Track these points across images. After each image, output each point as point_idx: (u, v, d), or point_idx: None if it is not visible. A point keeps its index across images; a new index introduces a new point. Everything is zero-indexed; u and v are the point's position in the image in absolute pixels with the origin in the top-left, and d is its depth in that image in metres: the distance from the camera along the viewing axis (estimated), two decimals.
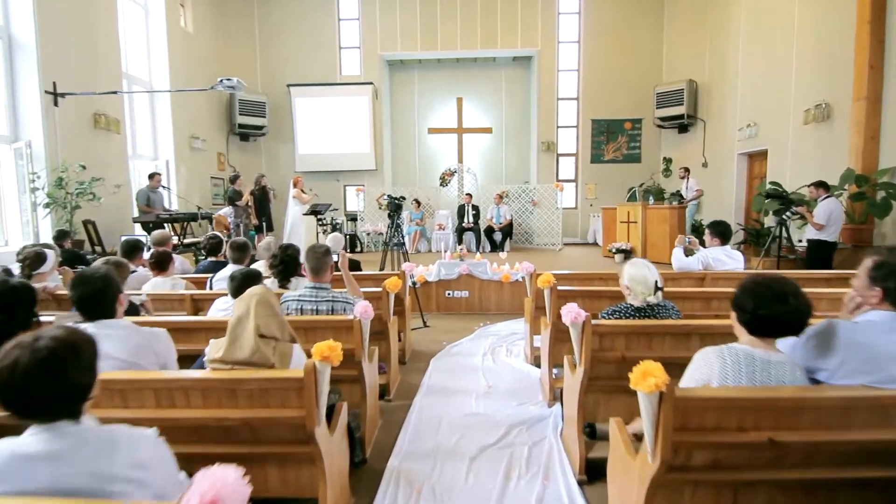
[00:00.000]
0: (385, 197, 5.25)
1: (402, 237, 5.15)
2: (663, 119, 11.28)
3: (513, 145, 12.87)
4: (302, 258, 3.55)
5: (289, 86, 11.64)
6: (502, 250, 10.13)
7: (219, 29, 11.22)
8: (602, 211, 9.31)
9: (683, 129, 11.34)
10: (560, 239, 10.74)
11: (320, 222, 11.10)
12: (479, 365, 4.19)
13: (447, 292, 6.13)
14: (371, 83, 11.67)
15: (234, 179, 8.01)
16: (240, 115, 11.06)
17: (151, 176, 7.39)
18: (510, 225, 10.47)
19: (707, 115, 10.90)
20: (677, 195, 10.75)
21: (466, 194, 10.68)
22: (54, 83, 6.56)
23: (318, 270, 2.99)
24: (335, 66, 11.92)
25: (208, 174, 10.72)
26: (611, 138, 11.90)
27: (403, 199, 5.46)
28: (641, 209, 8.31)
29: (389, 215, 5.29)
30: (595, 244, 11.52)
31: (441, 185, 11.49)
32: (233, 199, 7.98)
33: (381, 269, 5.42)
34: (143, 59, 9.17)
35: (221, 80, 6.19)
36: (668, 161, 11.55)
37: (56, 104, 6.61)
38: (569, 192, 11.64)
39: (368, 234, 10.95)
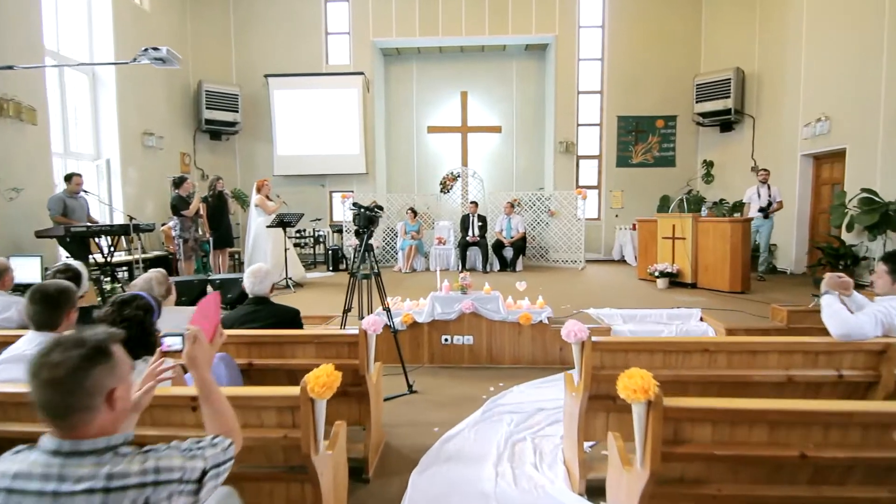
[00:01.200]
0: (351, 206, 3.55)
1: (375, 262, 3.46)
2: (704, 115, 9.59)
3: (525, 146, 11.21)
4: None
5: (266, 76, 10.07)
6: (514, 269, 8.45)
7: (184, 8, 9.67)
8: (637, 224, 7.64)
9: (727, 127, 9.64)
10: (582, 255, 9.04)
11: (299, 236, 9.49)
12: (492, 490, 2.49)
13: (444, 338, 4.44)
14: (362, 73, 10.07)
15: (178, 182, 6.40)
16: (207, 108, 9.48)
17: (69, 178, 5.79)
18: (523, 239, 8.79)
19: (757, 110, 9.20)
20: (722, 206, 9.06)
21: (471, 203, 9.01)
22: None
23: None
24: (321, 54, 10.34)
25: (167, 177, 9.10)
26: (640, 138, 10.22)
27: (380, 209, 3.77)
28: (692, 222, 6.60)
29: (358, 232, 3.60)
30: (622, 261, 9.80)
31: (442, 191, 9.84)
32: (177, 207, 6.35)
33: (347, 311, 3.73)
34: (84, 39, 7.62)
35: (146, 50, 4.57)
36: (708, 165, 9.84)
37: None
38: (591, 200, 9.94)
39: (357, 249, 9.27)
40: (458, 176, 9.80)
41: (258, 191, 7.08)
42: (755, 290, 6.32)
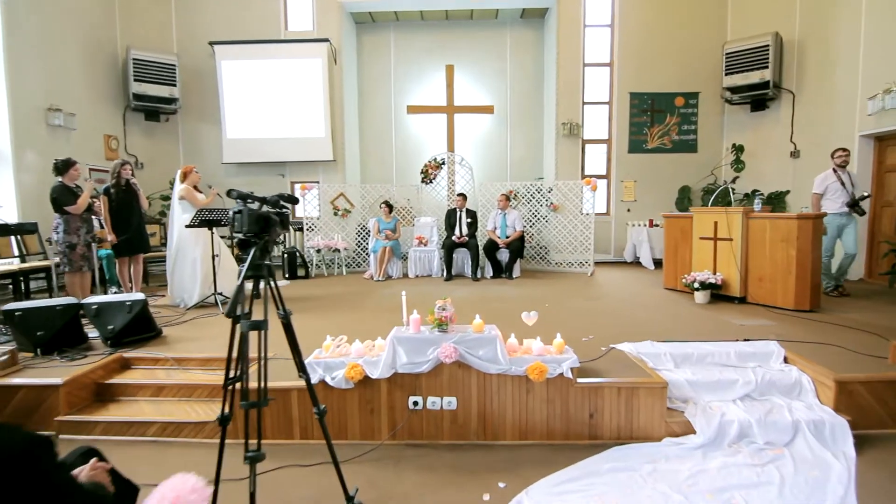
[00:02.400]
0: (233, 195, 1.91)
1: (279, 301, 1.84)
2: (734, 90, 8.10)
3: (522, 130, 9.65)
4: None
5: (212, 44, 8.37)
6: (510, 275, 6.91)
7: None
8: (664, 221, 6.16)
9: (759, 105, 8.16)
10: (591, 257, 7.53)
11: (236, 242, 7.84)
12: None
13: (413, 400, 2.89)
14: (327, 40, 8.42)
15: (61, 167, 4.74)
16: (135, 81, 7.78)
17: None
18: (521, 239, 7.24)
19: (798, 84, 7.73)
20: (755, 198, 7.59)
21: (458, 195, 7.45)
22: None
23: None
24: (278, 18, 8.67)
25: (85, 165, 7.41)
26: (656, 119, 8.71)
27: (290, 202, 2.15)
28: (742, 219, 5.11)
29: (245, 242, 1.98)
30: (636, 264, 8.31)
31: (423, 181, 8.25)
32: (59, 201, 4.70)
33: (230, 383, 2.06)
34: None
35: None
36: (738, 149, 8.36)
37: None
38: (598, 192, 8.40)
39: (319, 250, 7.67)
40: (443, 163, 8.22)
41: (183, 179, 5.44)
42: (826, 308, 4.86)
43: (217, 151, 8.72)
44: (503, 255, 7.18)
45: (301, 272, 7.41)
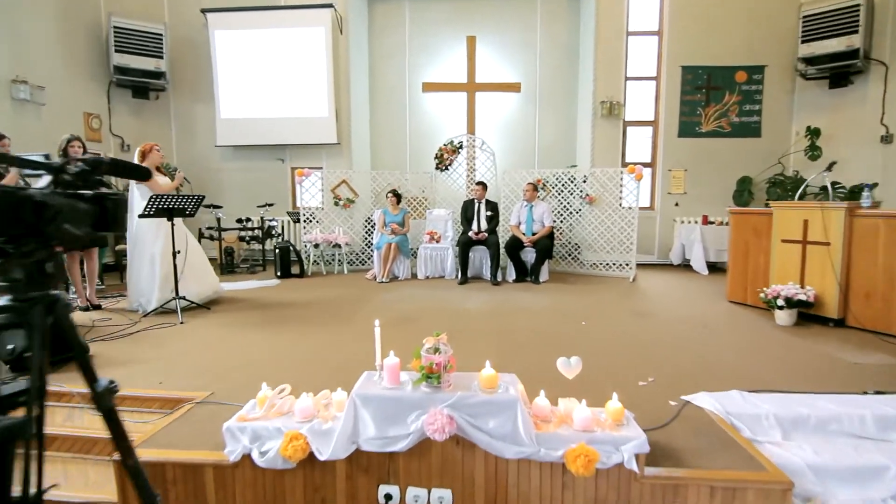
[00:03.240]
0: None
1: (72, 334, 0.84)
2: (812, 61, 6.75)
3: (553, 110, 8.47)
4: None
5: (204, 11, 7.48)
6: (536, 279, 5.84)
7: None
8: (729, 217, 4.98)
9: (841, 79, 6.79)
10: (633, 259, 6.37)
11: (241, 228, 6.97)
12: None
13: (384, 492, 1.87)
14: (330, 5, 7.41)
15: None
16: (117, 52, 6.94)
17: None
18: (550, 236, 6.14)
19: (893, 55, 6.35)
20: (836, 191, 6.27)
21: (477, 184, 6.37)
22: None
23: None
24: None
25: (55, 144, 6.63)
26: (713, 98, 7.42)
27: (127, 175, 1.17)
28: (845, 217, 3.90)
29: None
30: (685, 267, 7.10)
31: (438, 167, 7.20)
32: None
33: None
34: None
35: None
36: (812, 133, 7.01)
37: None
38: (641, 182, 7.18)
39: (317, 245, 6.73)
40: (461, 147, 7.15)
41: (142, 160, 4.55)
42: None
43: (209, 132, 7.87)
44: (528, 255, 6.09)
45: (295, 270, 6.49)
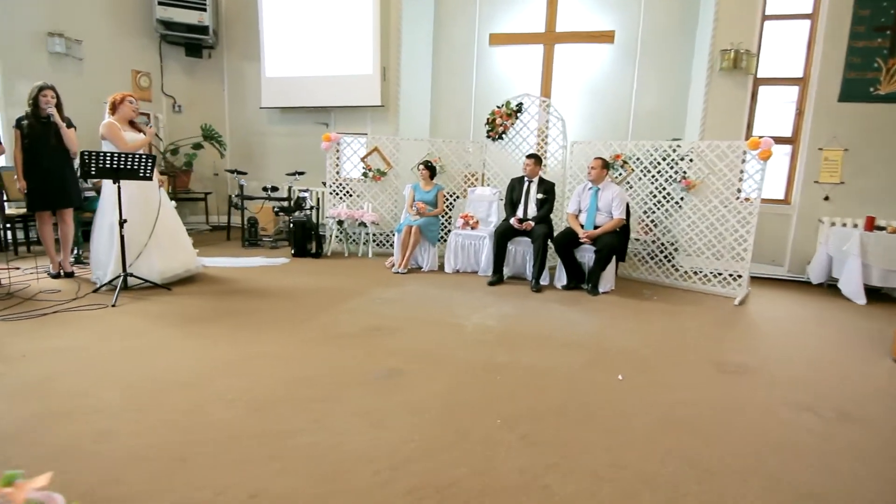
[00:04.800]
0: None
1: None
2: None
3: (657, 66, 6.53)
4: None
5: None
6: (594, 290, 4.34)
7: None
8: None
9: None
10: (746, 272, 4.48)
11: (267, 197, 6.32)
12: None
13: None
14: None
15: None
16: (159, 4, 6.57)
17: None
18: (620, 233, 4.54)
19: None
20: None
21: (528, 158, 4.92)
22: None
23: None
24: None
25: (102, 102, 6.48)
26: None
27: None
28: None
29: None
30: (831, 288, 4.95)
31: (489, 135, 5.82)
32: None
33: None
34: None
35: None
36: None
37: None
38: (772, 161, 5.05)
39: (341, 222, 5.84)
40: (520, 108, 5.67)
41: (112, 112, 3.93)
42: None
43: (257, 92, 7.32)
44: (586, 255, 4.55)
45: (311, 247, 5.67)
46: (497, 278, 4.68)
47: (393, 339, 2.97)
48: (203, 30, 6.84)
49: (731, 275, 4.58)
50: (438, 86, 7.47)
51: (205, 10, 6.71)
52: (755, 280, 5.19)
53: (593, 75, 6.78)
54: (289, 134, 7.45)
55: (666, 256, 4.99)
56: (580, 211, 4.70)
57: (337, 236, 5.99)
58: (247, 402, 2.11)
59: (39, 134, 3.92)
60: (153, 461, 1.66)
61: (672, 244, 4.94)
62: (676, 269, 4.91)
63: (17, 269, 4.45)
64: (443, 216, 5.73)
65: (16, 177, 3.99)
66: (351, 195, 6.07)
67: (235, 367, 2.47)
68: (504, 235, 4.73)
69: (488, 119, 5.74)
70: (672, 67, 6.40)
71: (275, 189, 6.31)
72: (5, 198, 4.93)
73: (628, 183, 5.07)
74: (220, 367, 2.47)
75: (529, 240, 4.72)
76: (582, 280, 4.57)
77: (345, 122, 7.14)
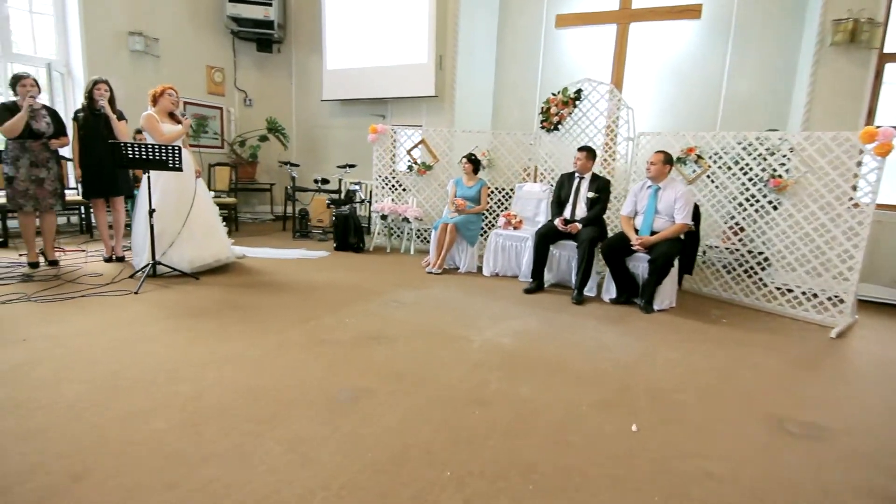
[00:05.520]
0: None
1: None
2: None
3: (753, 45, 5.54)
4: None
5: None
6: (648, 306, 3.75)
7: None
8: None
9: None
10: (852, 293, 3.57)
11: (317, 189, 6.31)
12: None
13: None
14: None
15: (12, 83, 3.78)
16: (229, 1, 6.82)
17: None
18: (688, 241, 3.84)
19: None
20: None
21: (580, 151, 4.34)
22: None
23: None
24: None
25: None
26: None
27: None
28: None
29: None
30: None
31: (542, 126, 5.28)
32: None
33: None
34: None
35: None
36: None
37: None
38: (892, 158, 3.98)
39: (384, 216, 5.67)
40: (578, 96, 5.06)
41: (153, 104, 4.05)
42: None
43: (319, 85, 7.39)
44: (640, 265, 3.91)
45: (353, 240, 5.55)
46: (535, 285, 4.19)
47: (382, 352, 2.67)
48: (269, 24, 7.02)
49: (830, 298, 3.68)
50: (501, 74, 7.02)
51: (270, 4, 6.87)
52: (865, 305, 4.17)
53: (675, 57, 5.93)
54: (348, 126, 7.45)
55: (746, 271, 4.16)
56: (636, 213, 4.05)
57: (380, 231, 5.83)
58: (189, 412, 1.93)
59: (93, 126, 4.16)
60: (47, 474, 1.52)
61: (757, 256, 4.09)
62: (760, 287, 4.07)
63: (83, 251, 4.82)
64: (488, 214, 5.33)
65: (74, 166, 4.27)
66: (396, 189, 5.86)
67: (199, 370, 2.32)
68: (546, 237, 4.22)
69: (542, 108, 5.21)
70: (773, 43, 5.38)
71: (325, 181, 6.30)
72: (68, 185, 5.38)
73: (711, 180, 4.28)
74: (184, 368, 2.34)
75: (573, 243, 4.17)
76: (635, 293, 3.94)
77: (401, 113, 6.96)
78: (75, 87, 5.86)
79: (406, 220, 5.58)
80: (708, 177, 4.31)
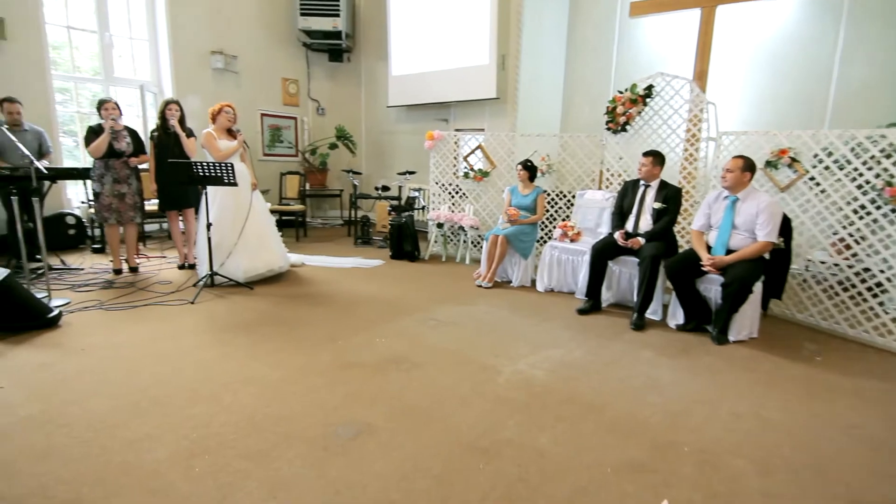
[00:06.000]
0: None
1: None
2: None
3: (875, 18, 4.63)
4: None
5: None
6: (721, 335, 3.28)
7: None
8: None
9: None
10: None
11: (378, 196, 6.34)
12: None
13: None
14: None
15: (98, 107, 4.17)
16: (301, 15, 7.08)
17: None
18: (775, 261, 3.27)
19: None
20: None
21: (645, 156, 3.87)
22: None
23: None
24: None
25: (256, 110, 7.33)
26: None
27: None
28: None
29: None
30: None
31: (608, 127, 4.82)
32: (87, 142, 4.19)
33: None
34: None
35: None
36: None
37: None
38: None
39: (440, 224, 5.55)
40: (649, 92, 4.54)
41: (212, 121, 4.27)
42: None
43: (385, 92, 7.46)
44: (712, 288, 3.40)
45: (408, 247, 5.49)
46: (589, 305, 3.83)
47: (400, 380, 2.54)
48: (337, 35, 7.20)
49: None
50: (570, 71, 6.59)
51: (338, 15, 7.03)
52: None
53: (771, 42, 5.16)
54: (413, 132, 7.44)
55: (853, 297, 3.46)
56: (710, 227, 3.53)
57: (437, 239, 5.73)
58: (192, 440, 1.94)
59: (165, 143, 4.48)
60: (45, 498, 1.58)
61: (867, 279, 3.38)
62: (870, 318, 3.36)
63: (164, 257, 5.26)
64: (546, 223, 5.00)
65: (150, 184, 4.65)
66: (454, 196, 5.72)
67: (218, 391, 2.35)
68: (604, 253, 3.84)
69: (608, 107, 4.76)
70: None
71: (386, 188, 6.33)
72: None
73: (810, 187, 3.64)
74: (205, 387, 2.39)
75: (635, 259, 3.74)
76: (707, 319, 3.44)
77: (464, 117, 6.81)
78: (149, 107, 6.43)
79: (462, 229, 5.42)
80: (806, 183, 3.64)
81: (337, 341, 3.05)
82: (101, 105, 4.22)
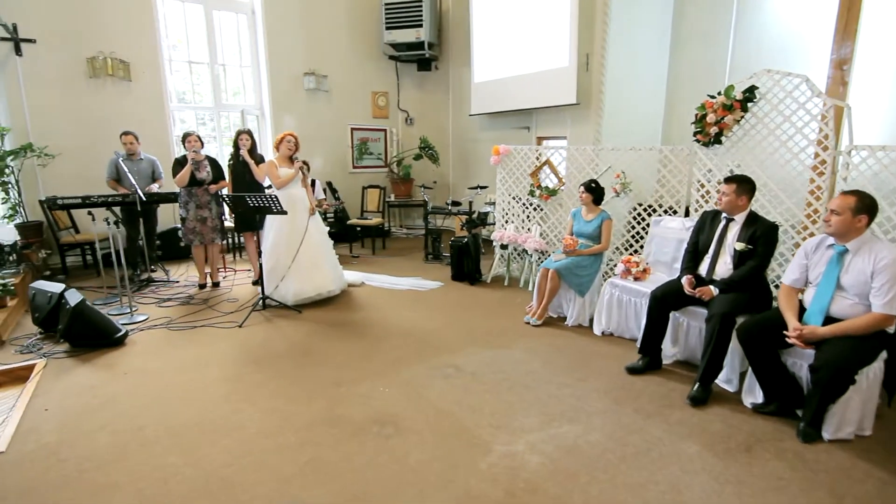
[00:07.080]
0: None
1: None
2: None
3: None
4: None
5: None
6: (814, 427, 2.57)
7: None
8: None
9: None
10: None
11: (447, 212, 6.17)
12: None
13: None
14: None
15: (182, 140, 4.62)
16: (387, 29, 7.13)
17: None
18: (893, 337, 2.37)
19: None
20: None
21: (726, 182, 3.08)
22: (14, 26, 5.14)
23: None
24: None
25: (346, 125, 7.62)
26: None
27: None
28: None
29: None
30: None
31: (696, 139, 3.96)
32: (174, 173, 4.69)
33: None
34: None
35: None
36: None
37: (19, 52, 5.23)
38: None
39: (505, 246, 5.18)
40: (750, 96, 3.60)
41: (276, 150, 4.48)
42: None
43: (468, 100, 7.22)
44: (801, 364, 2.58)
45: (469, 267, 5.23)
46: (643, 364, 3.21)
47: (373, 449, 2.35)
48: (420, 45, 7.12)
49: None
50: (674, 67, 5.66)
51: (421, 26, 6.94)
52: None
53: None
54: (495, 139, 7.05)
55: None
56: (807, 284, 2.68)
57: (500, 261, 5.37)
58: (143, 498, 2.00)
59: (239, 171, 4.85)
60: None
61: None
62: None
63: (249, 270, 5.75)
64: (613, 254, 4.35)
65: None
66: (525, 211, 5.27)
67: (200, 438, 2.42)
68: (665, 301, 3.17)
69: (696, 115, 3.92)
70: None
71: (457, 204, 6.12)
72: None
73: None
74: (193, 432, 2.47)
75: (704, 312, 3.02)
76: (796, 401, 2.64)
77: (545, 124, 6.28)
78: (267, 127, 7.00)
79: (525, 251, 5.00)
80: None
81: (340, 387, 2.97)
82: (185, 138, 4.70)
